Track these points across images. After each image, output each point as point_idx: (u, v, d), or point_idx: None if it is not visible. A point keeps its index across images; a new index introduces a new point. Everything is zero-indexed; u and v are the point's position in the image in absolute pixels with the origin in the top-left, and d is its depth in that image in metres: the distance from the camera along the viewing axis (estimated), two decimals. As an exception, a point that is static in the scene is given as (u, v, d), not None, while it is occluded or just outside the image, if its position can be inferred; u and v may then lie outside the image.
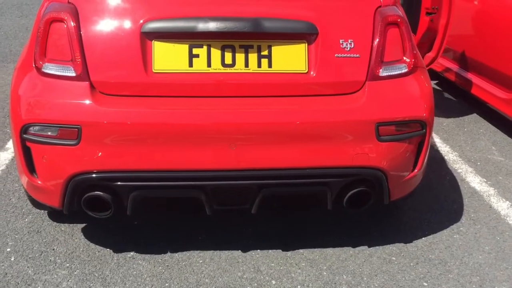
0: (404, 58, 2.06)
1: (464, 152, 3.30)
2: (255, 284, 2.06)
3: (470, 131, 3.63)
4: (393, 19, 2.03)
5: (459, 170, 3.04)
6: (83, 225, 2.40)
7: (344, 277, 2.11)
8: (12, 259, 2.16)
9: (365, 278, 2.11)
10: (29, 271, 2.10)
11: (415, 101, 2.05)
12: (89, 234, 2.34)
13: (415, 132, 2.04)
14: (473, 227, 2.49)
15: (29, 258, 2.17)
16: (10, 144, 3.15)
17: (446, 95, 4.37)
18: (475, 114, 3.93)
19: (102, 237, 2.32)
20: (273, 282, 2.08)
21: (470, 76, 3.84)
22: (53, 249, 2.24)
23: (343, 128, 1.96)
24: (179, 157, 1.91)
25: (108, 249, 2.24)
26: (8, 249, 2.22)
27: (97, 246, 2.26)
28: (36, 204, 2.31)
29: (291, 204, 2.53)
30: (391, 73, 2.03)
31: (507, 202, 2.71)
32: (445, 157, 3.21)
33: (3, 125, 3.46)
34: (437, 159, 3.18)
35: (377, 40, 2.00)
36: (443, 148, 3.34)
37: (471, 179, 2.94)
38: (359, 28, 2.01)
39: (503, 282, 2.12)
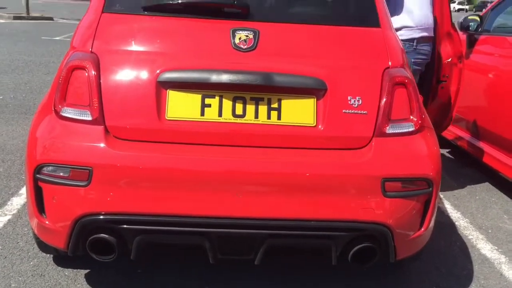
0: (411, 117, 2.10)
1: (475, 219, 3.26)
2: (255, 338, 2.02)
3: (482, 199, 3.60)
4: (400, 80, 2.10)
5: (470, 237, 3.00)
6: (87, 271, 2.40)
7: (347, 337, 2.06)
8: (13, 300, 2.16)
9: None
10: (28, 314, 2.09)
11: (422, 159, 2.07)
12: (92, 280, 2.33)
13: (421, 190, 2.04)
14: (482, 294, 2.43)
15: (30, 300, 2.17)
16: (23, 190, 3.21)
17: (459, 163, 4.37)
18: (487, 183, 3.91)
19: (104, 284, 2.31)
20: (274, 337, 2.03)
21: (481, 145, 3.86)
22: (54, 294, 2.23)
23: (349, 182, 1.97)
24: (186, 203, 1.93)
25: (109, 297, 2.23)
26: (10, 291, 2.22)
27: (97, 293, 2.25)
28: (43, 247, 2.32)
29: (295, 259, 2.51)
30: (398, 131, 2.07)
31: (519, 270, 2.65)
32: (456, 223, 3.17)
33: (19, 172, 3.54)
34: (447, 224, 3.14)
35: (385, 98, 2.05)
36: (454, 214, 3.31)
37: (482, 246, 2.89)
38: (368, 86, 2.07)
39: None
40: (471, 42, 4.16)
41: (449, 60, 3.45)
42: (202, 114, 2.00)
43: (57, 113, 2.03)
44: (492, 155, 3.69)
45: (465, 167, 4.29)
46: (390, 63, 2.15)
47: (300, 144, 2.02)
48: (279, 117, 2.01)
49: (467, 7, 56.65)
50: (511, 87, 3.51)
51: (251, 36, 2.08)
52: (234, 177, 1.95)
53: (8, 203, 3.06)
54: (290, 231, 1.99)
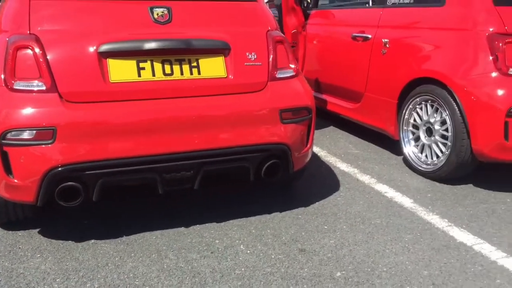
0: (290, 65, 2.86)
1: (331, 150, 4.22)
2: (203, 244, 2.61)
3: (331, 137, 4.60)
4: (279, 38, 2.84)
5: (331, 160, 3.93)
6: (38, 229, 2.72)
7: (268, 231, 2.77)
8: (-15, 258, 2.43)
9: (283, 230, 2.79)
10: (6, 263, 2.38)
11: (303, 94, 2.84)
12: (46, 234, 2.67)
13: (305, 116, 2.82)
14: (349, 192, 3.34)
15: (1, 255, 2.45)
16: None
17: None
18: (332, 126, 4.95)
19: (59, 235, 2.66)
20: (217, 241, 2.65)
21: (325, 97, 4.86)
22: (19, 248, 2.54)
23: (257, 116, 2.66)
24: (135, 146, 2.42)
25: (69, 241, 2.61)
26: (-24, 253, 2.47)
27: (58, 241, 2.61)
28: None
29: (219, 184, 3.15)
30: (284, 76, 2.81)
31: (368, 175, 3.63)
32: (318, 154, 4.08)
33: None
34: (312, 156, 4.03)
35: (272, 52, 2.78)
36: (315, 149, 4.22)
37: (340, 165, 3.84)
38: (258, 45, 2.77)
39: (376, 219, 2.95)
40: (306, 16, 5.12)
41: (295, 30, 4.33)
42: (139, 75, 2.50)
43: (8, 87, 2.34)
44: (333, 103, 4.71)
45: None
46: (269, 27, 2.88)
47: (218, 91, 2.64)
48: (199, 73, 2.61)
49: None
50: (340, 49, 4.53)
51: (166, 12, 2.62)
52: (170, 122, 2.50)
53: None
54: (218, 157, 2.61)
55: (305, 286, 2.26)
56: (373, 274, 2.37)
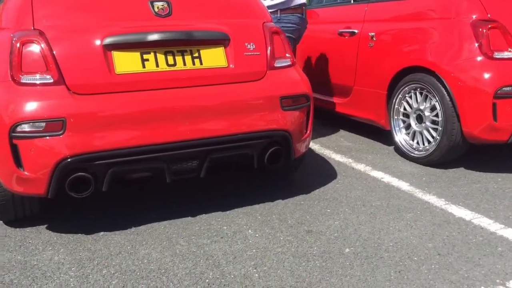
0: (287, 55, 2.95)
1: (323, 143, 4.31)
2: (212, 230, 2.66)
3: (322, 132, 4.70)
4: (275, 30, 2.93)
5: (325, 153, 4.02)
6: (45, 225, 2.73)
7: (274, 216, 2.83)
8: (-4, 253, 2.43)
9: (288, 214, 2.85)
10: (18, 257, 2.39)
11: (301, 82, 2.93)
12: (54, 229, 2.68)
13: (304, 103, 2.90)
14: (347, 179, 3.42)
15: (12, 250, 2.46)
16: None
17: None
18: (321, 122, 5.05)
19: (68, 229, 2.68)
20: (225, 227, 2.70)
21: (314, 94, 4.96)
22: (30, 242, 2.55)
23: (258, 103, 2.73)
24: (142, 135, 2.47)
25: (79, 234, 2.62)
26: (-14, 249, 2.47)
27: (68, 234, 2.63)
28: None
29: (224, 172, 3.20)
30: (282, 65, 2.89)
31: (363, 164, 3.73)
32: (311, 147, 4.17)
33: None
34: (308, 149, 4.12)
35: (269, 43, 2.86)
36: (308, 143, 4.31)
37: (335, 156, 3.93)
38: (256, 35, 2.85)
39: (376, 201, 3.04)
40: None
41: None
42: (144, 66, 2.55)
43: (15, 81, 2.37)
44: (322, 99, 4.81)
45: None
46: (265, 19, 2.97)
47: (220, 81, 2.71)
48: (201, 63, 2.67)
49: None
50: (327, 46, 4.65)
51: (166, 6, 2.69)
52: (175, 111, 2.55)
53: None
54: (224, 145, 2.67)
55: (316, 262, 2.33)
56: (380, 249, 2.44)
